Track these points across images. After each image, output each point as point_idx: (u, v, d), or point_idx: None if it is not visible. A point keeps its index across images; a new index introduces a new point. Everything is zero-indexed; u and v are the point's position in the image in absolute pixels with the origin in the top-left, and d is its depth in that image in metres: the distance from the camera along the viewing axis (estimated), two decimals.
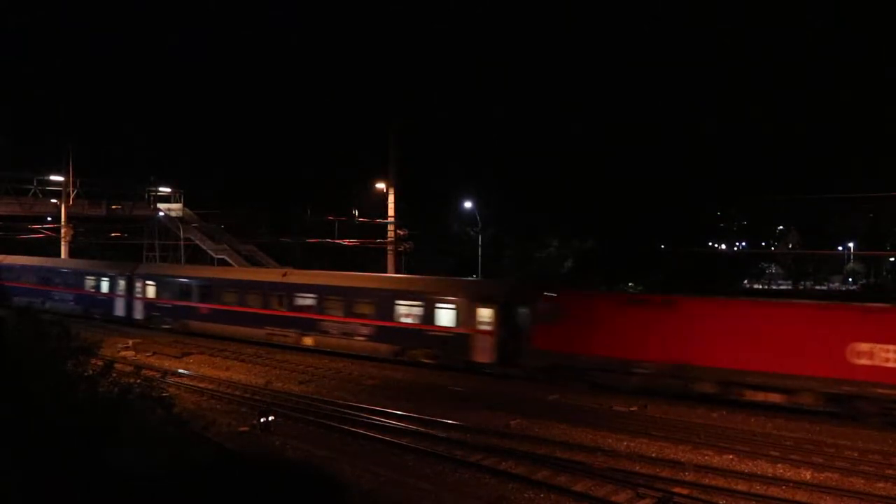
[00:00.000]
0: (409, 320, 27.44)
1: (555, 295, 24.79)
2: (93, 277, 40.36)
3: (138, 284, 37.21)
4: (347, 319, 28.98)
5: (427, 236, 51.02)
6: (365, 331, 28.39)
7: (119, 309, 37.98)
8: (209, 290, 34.17)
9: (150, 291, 36.74)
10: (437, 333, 26.56)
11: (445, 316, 26.43)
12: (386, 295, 28.34)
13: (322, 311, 29.82)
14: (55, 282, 42.48)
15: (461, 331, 25.99)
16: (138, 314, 37.06)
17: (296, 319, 30.49)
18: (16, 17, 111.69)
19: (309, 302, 30.35)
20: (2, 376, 12.51)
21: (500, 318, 25.12)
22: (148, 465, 10.52)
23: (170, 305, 35.72)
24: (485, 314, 25.44)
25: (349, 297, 29.29)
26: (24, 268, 45.43)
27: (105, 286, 39.27)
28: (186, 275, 36.60)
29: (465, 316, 25.85)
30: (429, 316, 26.79)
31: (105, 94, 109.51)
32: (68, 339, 15.75)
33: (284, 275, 33.14)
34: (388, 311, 27.87)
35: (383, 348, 27.92)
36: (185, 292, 35.23)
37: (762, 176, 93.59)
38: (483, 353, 25.43)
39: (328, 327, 29.44)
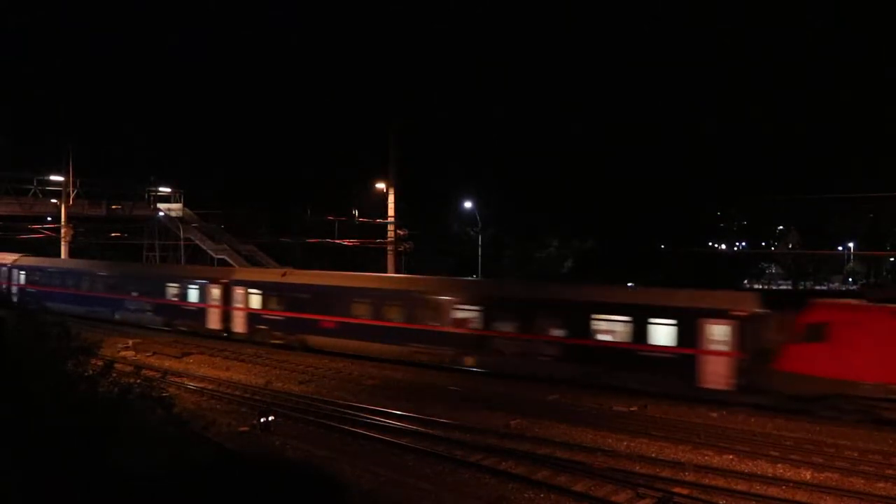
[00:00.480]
0: (610, 338, 23.33)
1: (817, 307, 20.97)
2: (177, 285, 35.63)
3: (238, 292, 32.48)
4: (526, 336, 24.77)
5: (427, 236, 51.06)
6: (551, 350, 24.21)
7: (213, 321, 33.39)
8: (335, 299, 29.55)
9: (255, 301, 32.03)
10: (651, 354, 22.43)
11: (663, 333, 22.34)
12: (580, 307, 24.11)
13: (490, 327, 25.53)
14: (128, 290, 38.18)
15: (685, 351, 21.87)
16: (239, 327, 32.41)
17: (454, 336, 26.18)
18: (16, 17, 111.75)
19: (472, 315, 26.04)
20: (2, 376, 12.52)
21: (740, 336, 21.12)
22: (148, 465, 10.53)
23: (281, 318, 31.10)
24: (718, 331, 21.45)
25: (529, 309, 24.99)
26: (86, 274, 41.57)
27: (194, 295, 34.50)
28: (304, 282, 31.60)
29: (691, 333, 21.78)
30: (639, 333, 22.65)
31: (105, 94, 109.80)
32: (68, 339, 15.76)
33: (434, 283, 29.38)
34: (583, 327, 23.74)
35: (575, 370, 23.64)
36: (302, 302, 30.51)
37: (762, 176, 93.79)
38: (716, 379, 21.34)
39: (500, 346, 25.21)
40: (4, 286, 45.23)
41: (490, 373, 25.60)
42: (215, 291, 33.38)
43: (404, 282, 29.76)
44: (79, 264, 45.16)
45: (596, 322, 23.64)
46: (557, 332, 24.36)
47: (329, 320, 29.48)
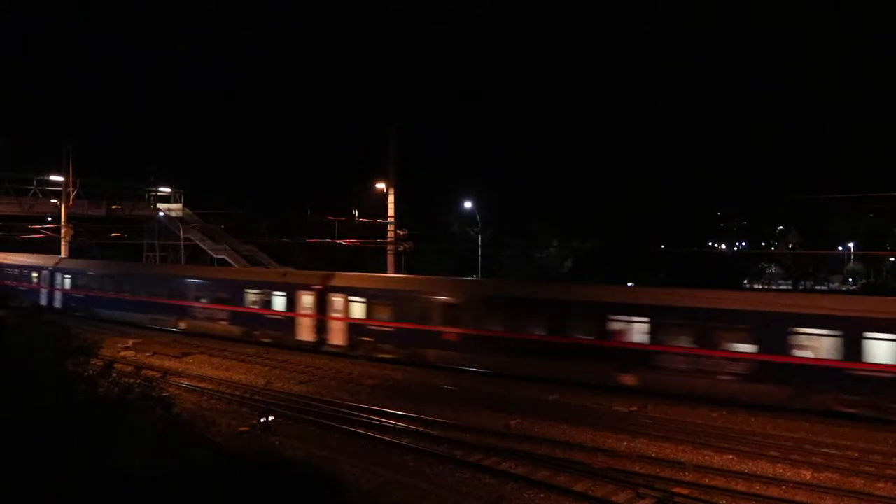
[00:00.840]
0: (811, 354, 20.49)
1: None
2: (259, 291, 32.34)
3: (336, 300, 29.41)
4: (702, 351, 21.69)
5: (427, 236, 51.07)
6: (734, 368, 21.27)
7: (304, 332, 30.27)
8: (463, 309, 26.44)
9: (357, 310, 28.91)
10: (869, 374, 19.57)
11: (884, 350, 19.49)
12: (776, 318, 20.98)
13: (656, 341, 22.56)
14: (196, 296, 34.98)
15: None
16: (337, 339, 29.39)
17: (610, 351, 23.31)
18: (17, 18, 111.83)
19: (632, 326, 23.15)
20: (2, 376, 12.51)
21: None
22: (148, 465, 10.53)
23: (391, 329, 27.98)
24: None
25: (706, 320, 21.89)
26: (145, 277, 38.73)
27: (280, 302, 31.33)
28: (423, 289, 28.21)
29: None
30: (853, 349, 19.80)
31: (106, 95, 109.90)
32: (68, 339, 15.77)
33: (585, 290, 26.58)
34: (779, 342, 20.76)
35: (766, 392, 20.76)
36: (421, 312, 27.31)
37: (762, 176, 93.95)
38: None
39: (667, 362, 22.23)
40: (45, 291, 43.41)
41: (490, 373, 25.48)
42: (307, 299, 30.23)
43: (546, 288, 26.47)
44: (135, 268, 42.99)
45: (795, 336, 20.74)
46: (743, 348, 21.36)
47: (454, 332, 26.29)
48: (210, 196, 59.26)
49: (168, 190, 52.28)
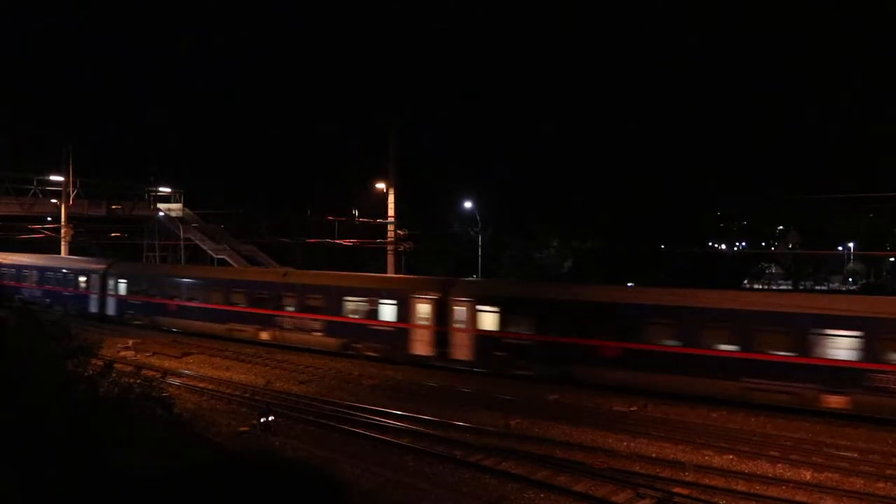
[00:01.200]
0: None
1: None
2: (362, 299, 29.20)
3: (460, 309, 26.35)
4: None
5: (427, 236, 51.06)
6: None
7: (420, 345, 27.28)
8: (624, 321, 23.66)
9: (488, 321, 25.85)
10: None
11: None
12: None
13: (872, 357, 19.88)
14: (281, 304, 31.62)
15: None
16: (462, 353, 26.32)
17: (812, 368, 20.48)
18: (17, 18, 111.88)
19: (841, 341, 20.36)
20: (2, 376, 12.51)
21: None
22: (148, 465, 10.52)
23: (532, 342, 25.04)
24: None
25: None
26: (218, 283, 34.89)
27: (389, 311, 28.25)
28: (579, 299, 25.32)
29: None
30: None
31: (106, 95, 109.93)
32: (68, 339, 15.75)
33: (775, 299, 23.27)
34: None
35: None
36: (579, 325, 24.30)
37: (762, 176, 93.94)
38: None
39: (886, 381, 19.69)
40: (96, 296, 39.91)
41: (488, 373, 25.42)
42: (423, 307, 27.28)
43: (727, 298, 23.75)
44: (208, 272, 39.81)
45: None
46: None
47: (617, 347, 23.46)
48: (210, 196, 59.30)
49: (168, 190, 52.30)
